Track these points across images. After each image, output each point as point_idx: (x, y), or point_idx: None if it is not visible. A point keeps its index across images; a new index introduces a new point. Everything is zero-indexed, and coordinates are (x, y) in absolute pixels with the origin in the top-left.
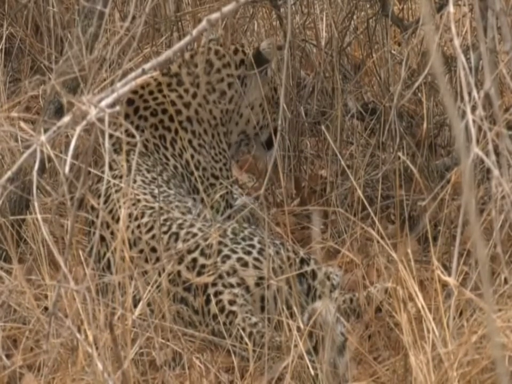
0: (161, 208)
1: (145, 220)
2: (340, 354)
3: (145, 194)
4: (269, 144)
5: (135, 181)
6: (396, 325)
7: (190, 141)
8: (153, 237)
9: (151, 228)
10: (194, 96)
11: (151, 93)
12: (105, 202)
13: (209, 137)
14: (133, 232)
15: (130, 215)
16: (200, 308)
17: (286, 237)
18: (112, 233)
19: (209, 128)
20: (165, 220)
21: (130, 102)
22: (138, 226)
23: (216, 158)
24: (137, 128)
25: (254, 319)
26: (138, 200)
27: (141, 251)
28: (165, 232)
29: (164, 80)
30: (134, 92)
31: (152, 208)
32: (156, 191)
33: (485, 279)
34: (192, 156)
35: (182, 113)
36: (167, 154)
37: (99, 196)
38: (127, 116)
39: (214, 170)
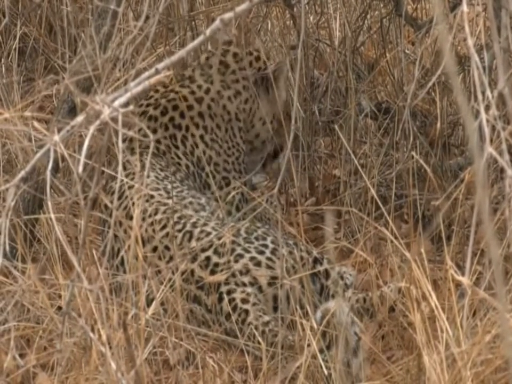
0: (175, 204)
1: (159, 217)
2: (354, 355)
3: (158, 190)
4: (275, 153)
5: (148, 176)
6: (409, 325)
7: (201, 137)
8: (167, 234)
9: (165, 225)
10: (207, 91)
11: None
12: (119, 198)
13: (222, 132)
14: (146, 230)
15: (144, 212)
16: (213, 306)
17: (299, 236)
18: (126, 231)
19: (222, 122)
20: (179, 218)
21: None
22: (152, 223)
23: (229, 152)
24: (148, 128)
25: (266, 318)
26: (152, 196)
27: (155, 248)
28: (179, 231)
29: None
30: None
31: (166, 204)
32: (170, 186)
33: (498, 278)
34: (204, 152)
35: (193, 109)
36: (179, 152)
37: (113, 193)
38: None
39: (226, 164)
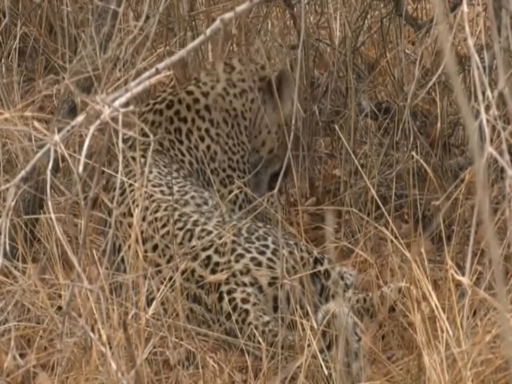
0: (176, 201)
1: (160, 214)
2: (355, 357)
3: (161, 186)
4: (271, 182)
5: (151, 172)
6: (409, 325)
7: (207, 130)
8: (168, 233)
9: (166, 223)
10: (213, 87)
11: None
12: (122, 195)
13: (228, 127)
14: (147, 229)
15: (146, 209)
16: (213, 305)
17: (299, 236)
18: (129, 226)
19: (228, 117)
20: (180, 216)
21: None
22: (152, 221)
23: (234, 149)
24: (152, 124)
25: (266, 318)
26: (151, 195)
27: (156, 246)
28: (180, 229)
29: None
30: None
31: (167, 201)
32: (172, 181)
33: (498, 278)
34: (209, 147)
35: (199, 102)
36: (182, 148)
37: (114, 190)
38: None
39: (230, 162)
